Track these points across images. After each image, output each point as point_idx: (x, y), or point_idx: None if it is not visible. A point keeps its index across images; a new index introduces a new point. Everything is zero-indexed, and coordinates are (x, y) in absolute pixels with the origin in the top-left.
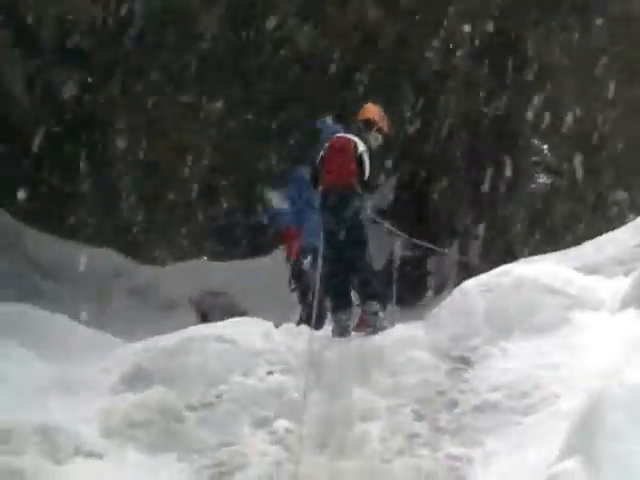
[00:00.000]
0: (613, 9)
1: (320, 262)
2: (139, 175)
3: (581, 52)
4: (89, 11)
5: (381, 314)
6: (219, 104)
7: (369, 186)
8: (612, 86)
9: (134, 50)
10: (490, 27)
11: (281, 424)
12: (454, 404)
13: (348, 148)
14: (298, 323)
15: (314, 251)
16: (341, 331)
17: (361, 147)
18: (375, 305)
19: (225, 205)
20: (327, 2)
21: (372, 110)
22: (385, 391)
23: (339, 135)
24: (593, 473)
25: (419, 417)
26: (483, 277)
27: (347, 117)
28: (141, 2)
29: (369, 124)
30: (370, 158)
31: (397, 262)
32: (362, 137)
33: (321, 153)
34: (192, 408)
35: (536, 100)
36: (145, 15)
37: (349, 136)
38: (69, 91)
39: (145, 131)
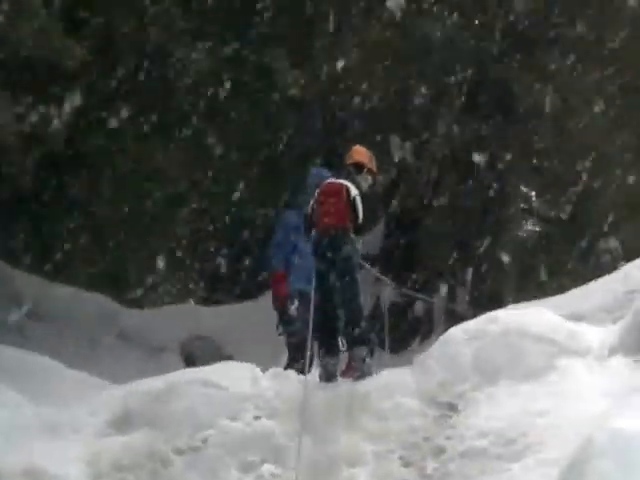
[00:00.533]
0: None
1: (311, 306)
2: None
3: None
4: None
5: (369, 360)
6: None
7: (363, 229)
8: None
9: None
10: (477, 74)
11: (268, 469)
12: (441, 450)
13: (341, 193)
14: (285, 368)
15: (301, 296)
16: (328, 376)
17: (353, 191)
18: (363, 350)
19: (213, 249)
20: (314, 49)
21: (361, 152)
22: (372, 436)
23: (331, 181)
24: None
25: (406, 463)
26: (470, 324)
27: (335, 163)
28: None
29: (359, 167)
30: (362, 201)
31: (385, 308)
32: (353, 181)
33: (313, 199)
34: (179, 452)
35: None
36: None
37: (341, 181)
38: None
39: (130, 178)
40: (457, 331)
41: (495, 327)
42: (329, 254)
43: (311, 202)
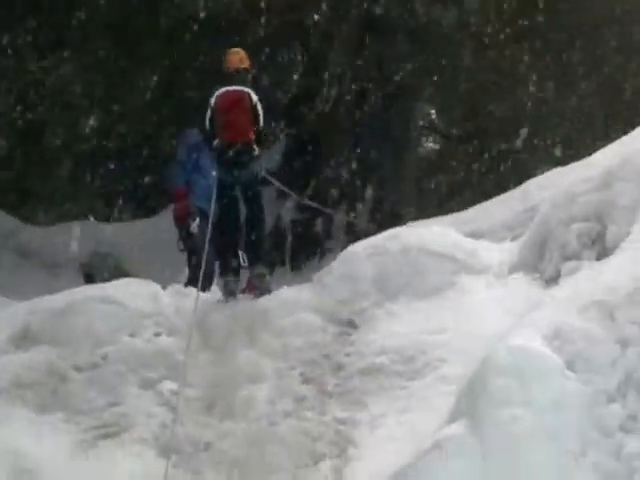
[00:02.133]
0: None
1: (209, 224)
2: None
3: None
4: None
5: (268, 277)
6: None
7: (263, 136)
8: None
9: None
10: None
11: (167, 386)
12: (341, 367)
13: (243, 100)
14: (186, 285)
15: (203, 214)
16: (229, 293)
17: (254, 97)
18: (263, 268)
19: (113, 166)
20: None
21: (245, 57)
22: (272, 353)
23: (229, 88)
24: (478, 438)
25: (306, 380)
26: (370, 240)
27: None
28: None
29: (248, 72)
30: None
31: (286, 225)
32: (249, 86)
33: (210, 110)
34: (79, 368)
35: (425, 64)
36: None
37: (241, 87)
38: None
39: (33, 93)
40: (357, 248)
41: (395, 244)
42: (233, 168)
43: (208, 113)
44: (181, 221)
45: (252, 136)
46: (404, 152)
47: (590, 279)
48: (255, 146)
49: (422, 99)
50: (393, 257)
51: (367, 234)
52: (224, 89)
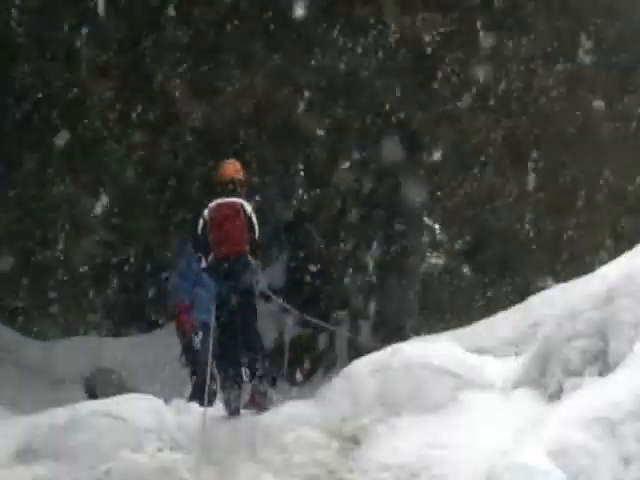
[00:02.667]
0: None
1: (210, 337)
2: (25, 250)
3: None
4: None
5: (270, 392)
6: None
7: (257, 247)
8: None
9: None
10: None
11: None
12: None
13: (238, 213)
14: (189, 400)
15: (205, 327)
16: (231, 410)
17: (249, 208)
18: (265, 384)
19: (116, 281)
20: (217, 76)
21: (238, 168)
22: (274, 469)
23: (222, 201)
24: None
25: None
26: (373, 356)
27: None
28: None
29: (241, 183)
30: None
31: (288, 340)
32: (243, 197)
33: (202, 221)
34: None
35: (428, 180)
36: None
37: (234, 199)
38: None
39: (35, 205)
40: (360, 364)
41: (398, 360)
42: (229, 282)
43: (200, 225)
44: (184, 335)
45: (246, 247)
46: (408, 268)
47: (593, 395)
48: (250, 257)
49: (427, 215)
50: (396, 373)
51: (370, 349)
52: (217, 201)
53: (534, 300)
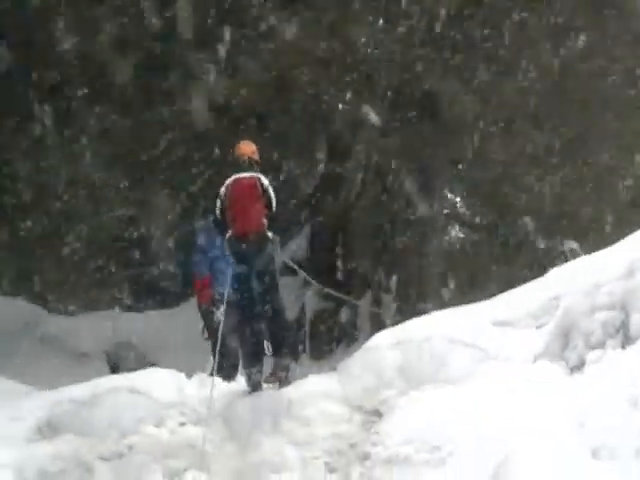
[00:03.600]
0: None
1: (229, 311)
2: (49, 224)
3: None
4: None
5: (293, 366)
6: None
7: (276, 220)
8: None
9: None
10: (402, 77)
11: (192, 475)
12: (366, 456)
13: (254, 187)
14: (211, 374)
15: (221, 300)
16: (253, 384)
17: (265, 181)
18: (287, 358)
19: (138, 255)
20: (240, 52)
21: (253, 149)
22: (297, 443)
23: (239, 176)
24: None
25: (332, 469)
26: (395, 330)
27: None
28: None
29: (257, 162)
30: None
31: (310, 314)
32: (259, 172)
33: (221, 197)
34: (104, 458)
35: (450, 152)
36: None
37: (250, 174)
38: None
39: (55, 178)
40: (382, 337)
41: (419, 333)
42: (249, 258)
43: (218, 203)
44: (206, 308)
45: (264, 223)
46: (429, 240)
47: (614, 368)
48: (269, 233)
49: (448, 187)
50: (417, 346)
51: (392, 323)
52: (234, 177)
53: (555, 273)
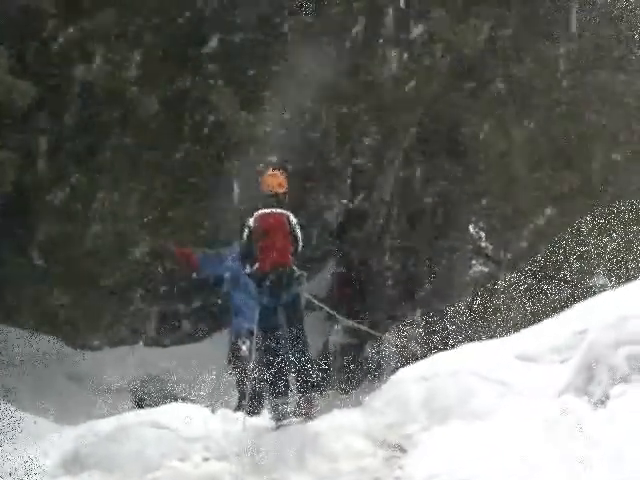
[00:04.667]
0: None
1: (255, 346)
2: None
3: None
4: None
5: (318, 400)
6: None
7: (301, 257)
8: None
9: None
10: (424, 115)
11: None
12: None
13: (283, 224)
14: (235, 409)
15: (251, 335)
16: (278, 418)
17: (293, 219)
18: (311, 392)
19: (162, 290)
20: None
21: (282, 181)
22: (323, 478)
23: (268, 211)
24: None
25: None
26: (420, 364)
27: None
28: None
29: (285, 196)
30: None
31: (335, 348)
32: (287, 208)
33: (247, 229)
34: None
35: (473, 187)
36: None
37: (279, 211)
38: None
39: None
40: (407, 371)
41: (445, 367)
42: (274, 293)
43: (246, 233)
44: (232, 341)
45: (291, 259)
46: (454, 275)
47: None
48: (295, 269)
49: (472, 222)
50: (442, 380)
51: (417, 357)
52: (262, 212)
53: (581, 306)
